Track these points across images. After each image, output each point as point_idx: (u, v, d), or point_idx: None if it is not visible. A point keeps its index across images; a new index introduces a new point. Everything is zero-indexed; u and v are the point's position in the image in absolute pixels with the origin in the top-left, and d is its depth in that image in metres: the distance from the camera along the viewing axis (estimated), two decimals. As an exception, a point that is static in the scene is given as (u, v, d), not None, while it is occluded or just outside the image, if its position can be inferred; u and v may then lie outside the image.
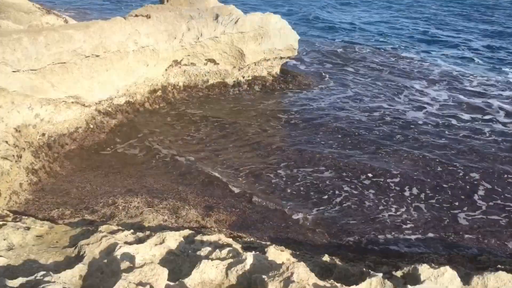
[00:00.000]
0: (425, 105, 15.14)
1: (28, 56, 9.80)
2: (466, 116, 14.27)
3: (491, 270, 4.97)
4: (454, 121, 13.81)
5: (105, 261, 4.85)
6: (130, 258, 4.88)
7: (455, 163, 11.05)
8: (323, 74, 18.13)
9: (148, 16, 12.99)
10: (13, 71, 9.58)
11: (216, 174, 10.20)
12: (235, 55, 14.99)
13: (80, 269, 4.72)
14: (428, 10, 31.44)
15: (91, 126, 11.78)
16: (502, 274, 4.76)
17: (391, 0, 35.40)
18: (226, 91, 15.26)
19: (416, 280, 4.65)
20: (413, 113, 14.38)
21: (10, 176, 8.64)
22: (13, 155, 9.01)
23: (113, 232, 5.80)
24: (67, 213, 8.01)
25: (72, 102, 11.15)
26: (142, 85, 13.31)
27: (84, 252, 5.14)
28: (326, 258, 5.79)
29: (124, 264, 4.67)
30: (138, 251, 5.06)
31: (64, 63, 10.57)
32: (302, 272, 4.34)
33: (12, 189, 8.50)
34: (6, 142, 9.22)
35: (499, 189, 9.96)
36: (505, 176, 10.53)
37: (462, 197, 9.64)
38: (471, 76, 18.58)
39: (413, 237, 8.23)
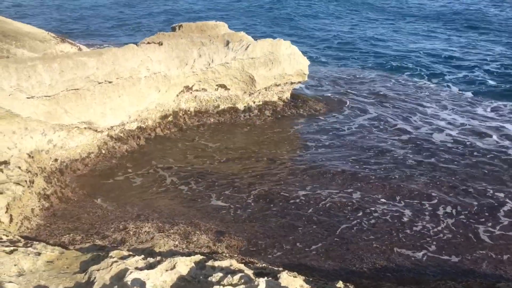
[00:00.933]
0: (443, 129, 15.02)
1: (43, 82, 9.96)
2: (482, 141, 14.12)
3: (511, 297, 4.82)
4: (475, 144, 13.67)
5: (116, 287, 4.80)
6: (141, 284, 4.82)
7: (477, 186, 10.89)
8: (334, 98, 18.14)
9: (160, 43, 13.19)
10: (27, 98, 9.73)
11: (227, 200, 10.15)
12: (246, 81, 15.10)
13: (90, 295, 4.66)
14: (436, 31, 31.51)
15: (103, 152, 11.85)
16: (523, 301, 4.61)
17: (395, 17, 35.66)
18: (237, 116, 15.32)
19: (434, 307, 4.52)
20: (432, 137, 14.26)
21: (22, 201, 8.67)
22: (26, 181, 9.06)
23: (123, 258, 5.75)
24: (78, 239, 7.98)
25: (85, 128, 11.26)
26: (154, 110, 13.42)
27: (95, 278, 5.09)
28: (340, 284, 5.66)
29: (135, 290, 4.60)
30: (149, 277, 5.00)
31: (78, 89, 10.72)
32: (316, 299, 4.24)
33: (24, 215, 8.52)
34: (19, 167, 9.30)
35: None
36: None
37: (482, 219, 9.44)
38: (485, 101, 18.46)
39: (429, 262, 8.05)
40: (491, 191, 10.76)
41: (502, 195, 10.62)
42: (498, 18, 35.76)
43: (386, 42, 29.09)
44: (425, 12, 38.78)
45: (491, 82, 21.09)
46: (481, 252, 8.40)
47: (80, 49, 16.10)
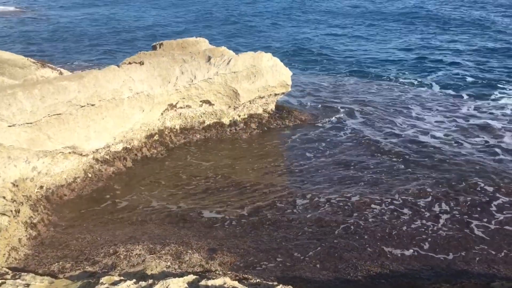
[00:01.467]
0: (430, 130, 15.16)
1: (23, 110, 9.84)
2: (471, 139, 14.27)
3: (506, 297, 4.81)
4: (463, 143, 13.82)
5: (108, 314, 4.69)
6: (133, 309, 4.72)
7: (469, 183, 10.98)
8: (318, 107, 18.23)
9: (141, 63, 13.16)
10: (9, 126, 9.59)
11: (218, 216, 10.08)
12: (230, 95, 15.11)
13: (82, 325, 4.55)
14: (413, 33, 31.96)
15: (89, 175, 11.71)
16: (518, 300, 4.61)
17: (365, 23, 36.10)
18: (223, 131, 15.29)
19: (431, 312, 4.49)
20: (419, 138, 14.37)
21: (9, 232, 8.50)
22: (11, 210, 8.90)
23: (115, 283, 5.65)
24: (67, 266, 7.82)
25: (69, 153, 11.13)
26: (139, 130, 13.34)
27: (86, 306, 4.98)
28: (335, 295, 5.61)
29: (127, 317, 4.51)
30: (142, 302, 4.90)
31: (60, 114, 10.61)
32: (312, 313, 4.19)
33: (11, 245, 8.34)
34: (4, 197, 9.13)
35: None
36: None
37: (475, 216, 9.49)
38: (467, 98, 18.72)
39: (423, 266, 8.04)
40: (482, 187, 10.84)
41: (491, 189, 10.72)
42: (468, 17, 36.45)
43: (357, 47, 29.46)
44: (393, 15, 39.47)
45: (470, 79, 21.45)
46: (474, 251, 8.42)
47: (61, 73, 15.97)
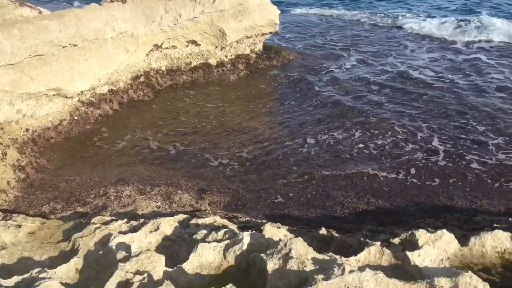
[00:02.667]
0: (424, 66, 15.12)
1: (3, 50, 9.53)
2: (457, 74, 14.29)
3: (487, 230, 4.98)
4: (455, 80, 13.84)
5: (101, 252, 4.79)
6: (126, 247, 4.81)
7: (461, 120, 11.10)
8: (306, 45, 17.96)
9: (124, 1, 12.67)
10: (-11, 67, 9.32)
11: (207, 157, 10.13)
12: (216, 35, 14.75)
13: (76, 262, 4.65)
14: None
15: (76, 118, 11.58)
16: (498, 232, 4.78)
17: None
18: (210, 72, 15.06)
19: (414, 245, 4.65)
20: (412, 74, 14.33)
21: (-3, 174, 8.49)
22: (-2, 153, 8.84)
23: (106, 223, 5.72)
24: (58, 208, 7.89)
25: (54, 95, 10.93)
26: (124, 72, 13.07)
27: (79, 245, 5.07)
28: (323, 231, 5.77)
29: (120, 254, 4.60)
30: (134, 240, 5.00)
31: (42, 55, 10.30)
32: (300, 248, 4.31)
33: (0, 188, 8.35)
34: (-11, 140, 9.03)
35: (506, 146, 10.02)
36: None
37: (457, 159, 9.67)
38: (451, 34, 18.56)
39: (408, 203, 8.26)
40: (473, 125, 10.99)
41: (483, 128, 10.88)
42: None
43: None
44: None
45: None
46: (457, 188, 8.64)
47: (40, 12, 15.34)
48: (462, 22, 20.11)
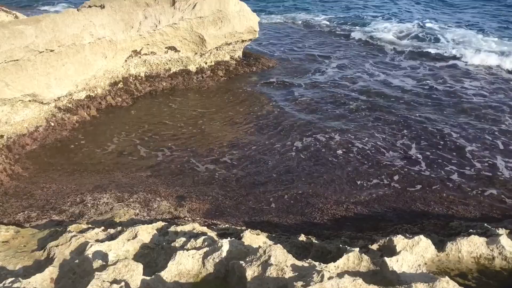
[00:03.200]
0: (399, 76, 15.34)
1: (-23, 55, 9.33)
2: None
3: (463, 235, 5.07)
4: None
5: (77, 261, 4.70)
6: (103, 256, 4.74)
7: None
8: (286, 53, 18.07)
9: (102, 6, 12.56)
10: (-37, 72, 9.11)
11: (186, 164, 10.06)
12: (196, 41, 14.73)
13: (51, 272, 4.55)
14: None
15: (52, 124, 11.38)
16: (474, 238, 4.86)
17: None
18: (190, 79, 15.00)
19: (392, 251, 4.70)
20: (392, 82, 14.53)
21: (-31, 182, 8.27)
22: (-29, 160, 8.62)
23: (83, 231, 5.63)
24: (33, 216, 7.73)
25: (30, 101, 10.73)
26: (102, 78, 12.93)
27: (54, 254, 4.96)
28: (302, 237, 5.78)
29: (97, 263, 4.53)
30: (111, 248, 4.92)
31: (17, 60, 10.12)
32: (279, 254, 4.31)
33: (-27, 196, 8.14)
34: (-38, 147, 8.80)
35: (481, 153, 10.21)
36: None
37: (435, 165, 9.82)
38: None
39: (386, 209, 8.35)
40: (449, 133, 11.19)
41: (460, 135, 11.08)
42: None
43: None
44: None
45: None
46: (433, 195, 8.77)
47: (16, 17, 15.10)
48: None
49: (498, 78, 15.42)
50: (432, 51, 18.42)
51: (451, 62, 17.17)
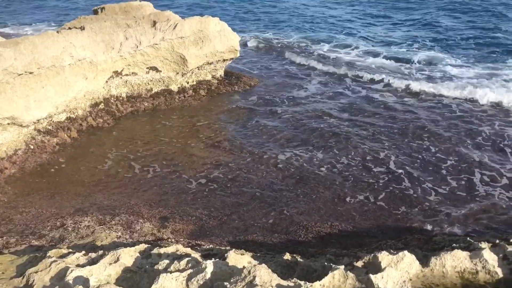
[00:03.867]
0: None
1: (-46, 78, 9.19)
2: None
3: (447, 250, 5.09)
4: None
5: (57, 287, 4.58)
6: (84, 281, 4.62)
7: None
8: (267, 72, 18.20)
9: (82, 28, 12.53)
10: None
11: (168, 184, 9.97)
12: (177, 61, 14.75)
13: (30, 299, 4.42)
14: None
15: (31, 147, 11.21)
16: (458, 252, 4.88)
17: None
18: (172, 99, 14.98)
19: (377, 268, 4.69)
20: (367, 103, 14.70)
21: None
22: None
23: (63, 256, 5.49)
24: (12, 241, 7.53)
25: (8, 124, 10.57)
26: (83, 99, 12.82)
27: (33, 280, 4.83)
28: (287, 256, 5.73)
29: (78, 289, 4.41)
30: (92, 273, 4.81)
31: (-5, 83, 9.99)
32: (264, 275, 4.26)
33: (-51, 222, 7.92)
34: None
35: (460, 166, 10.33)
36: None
37: (415, 182, 9.91)
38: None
39: (369, 225, 8.37)
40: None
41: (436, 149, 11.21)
42: None
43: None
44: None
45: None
46: (416, 210, 8.83)
47: (-6, 39, 14.97)
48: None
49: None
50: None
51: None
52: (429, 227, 8.22)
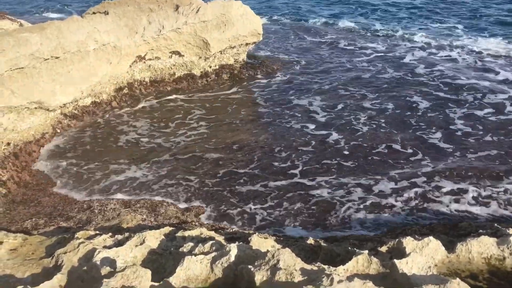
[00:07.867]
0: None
1: (-17, 64, 9.39)
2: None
3: (473, 236, 5.01)
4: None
5: (85, 268, 4.68)
6: (111, 262, 4.72)
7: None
8: (290, 56, 18.04)
9: (106, 13, 12.61)
10: (-31, 81, 9.16)
11: (193, 167, 10.05)
12: (200, 45, 14.74)
13: (59, 279, 4.54)
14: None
15: (58, 131, 11.42)
16: (484, 238, 4.80)
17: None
18: (195, 83, 15.02)
19: (402, 253, 4.65)
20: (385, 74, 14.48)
21: (-23, 190, 8.30)
22: (-22, 168, 8.66)
23: (90, 238, 5.61)
24: (41, 223, 7.74)
25: (36, 108, 10.77)
26: (107, 83, 12.97)
27: (62, 261, 4.95)
28: (310, 241, 5.73)
29: (105, 270, 4.51)
30: (119, 254, 4.90)
31: (23, 68, 10.17)
32: (288, 258, 4.28)
33: (-19, 204, 8.18)
34: (-31, 155, 8.85)
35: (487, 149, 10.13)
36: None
37: (442, 164, 9.76)
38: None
39: (394, 210, 8.29)
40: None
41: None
42: None
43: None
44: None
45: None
46: (443, 197, 8.70)
47: (21, 25, 15.20)
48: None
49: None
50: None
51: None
52: (455, 213, 8.09)
